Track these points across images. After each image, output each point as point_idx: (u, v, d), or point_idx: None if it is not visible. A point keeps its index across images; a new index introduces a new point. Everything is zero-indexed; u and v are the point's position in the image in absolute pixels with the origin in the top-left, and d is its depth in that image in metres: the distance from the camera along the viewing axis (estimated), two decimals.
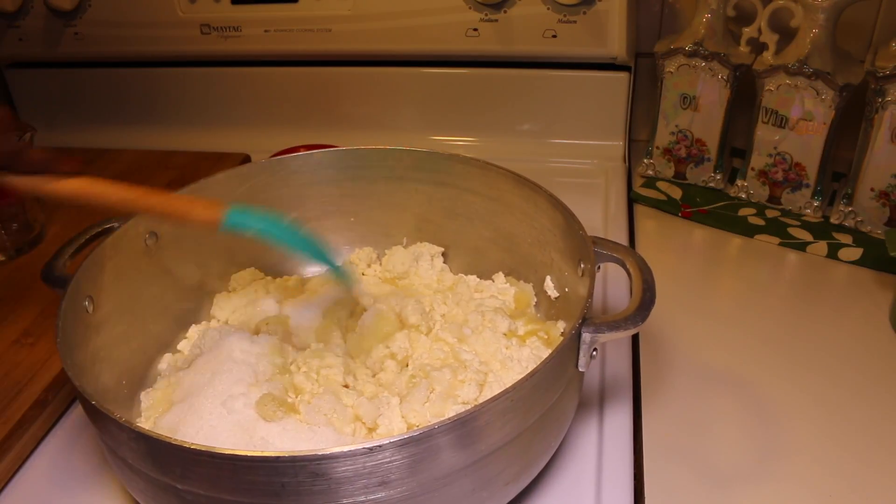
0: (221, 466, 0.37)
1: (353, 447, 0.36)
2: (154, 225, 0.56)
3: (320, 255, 0.53)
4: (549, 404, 0.43)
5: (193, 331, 0.60)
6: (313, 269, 0.67)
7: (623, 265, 0.50)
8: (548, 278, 0.58)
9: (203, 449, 0.36)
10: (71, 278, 0.48)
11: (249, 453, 0.36)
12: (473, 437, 0.39)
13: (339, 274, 0.57)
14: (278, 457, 0.35)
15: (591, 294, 0.45)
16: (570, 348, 0.43)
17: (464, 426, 0.38)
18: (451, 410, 0.46)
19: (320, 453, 0.36)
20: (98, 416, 0.40)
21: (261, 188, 0.63)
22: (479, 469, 0.41)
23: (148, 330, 0.57)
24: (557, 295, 0.57)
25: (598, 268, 0.50)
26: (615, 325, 0.44)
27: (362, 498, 0.38)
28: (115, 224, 0.54)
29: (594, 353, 0.45)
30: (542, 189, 0.56)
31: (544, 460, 0.47)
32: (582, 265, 0.51)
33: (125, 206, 0.46)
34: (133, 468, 0.41)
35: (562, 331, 0.55)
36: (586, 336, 0.44)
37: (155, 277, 0.58)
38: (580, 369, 0.45)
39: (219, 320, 0.61)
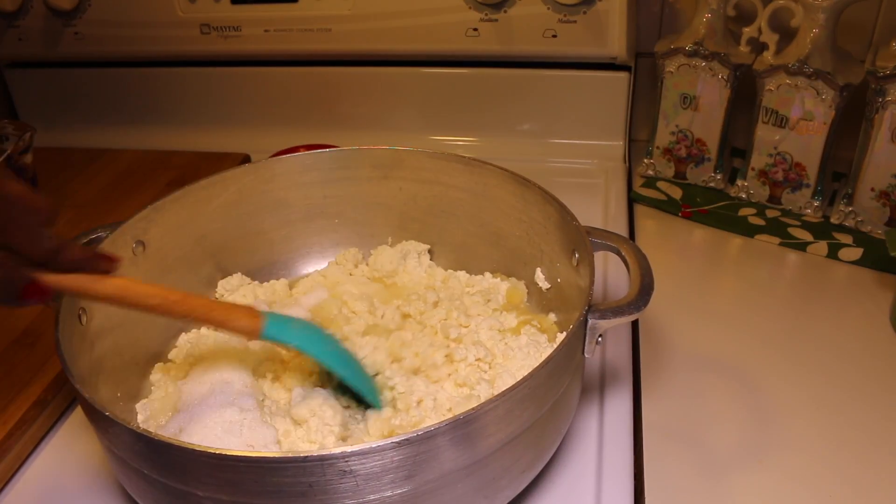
0: (247, 470, 0.36)
1: (381, 442, 0.36)
2: (140, 233, 0.56)
3: (356, 378, 0.49)
4: (560, 391, 0.44)
5: (183, 339, 0.59)
6: (300, 271, 0.67)
7: (618, 253, 0.51)
8: (538, 270, 0.59)
9: (229, 454, 0.36)
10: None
11: (277, 455, 0.36)
12: (497, 425, 0.40)
13: (373, 402, 0.49)
14: (307, 456, 0.35)
15: (592, 281, 0.46)
16: (577, 335, 0.44)
17: (489, 415, 0.38)
18: (471, 403, 0.47)
19: (350, 450, 0.35)
20: (118, 430, 0.39)
21: (247, 192, 0.63)
22: (499, 458, 0.41)
23: (138, 340, 0.56)
24: (549, 286, 0.58)
25: None
26: (619, 310, 0.45)
27: (388, 493, 0.38)
28: (103, 233, 0.54)
29: (599, 339, 0.46)
30: (532, 183, 0.57)
31: (555, 447, 0.48)
32: (576, 255, 0.52)
33: (164, 310, 0.44)
34: (141, 474, 0.41)
35: (554, 320, 0.56)
36: (592, 322, 0.45)
37: None
38: (586, 355, 0.47)
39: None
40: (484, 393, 0.48)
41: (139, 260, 0.56)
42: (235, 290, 0.62)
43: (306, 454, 0.35)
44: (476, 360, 0.51)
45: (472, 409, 0.37)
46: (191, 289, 0.60)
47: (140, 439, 0.38)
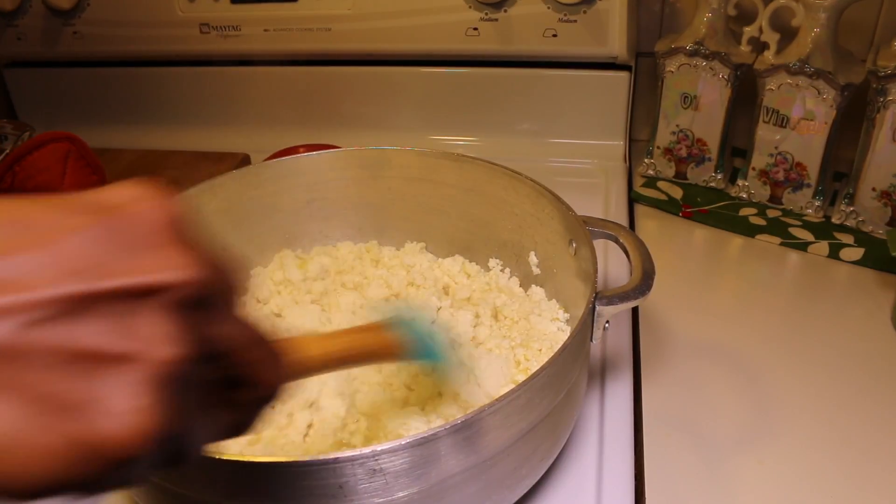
0: (277, 476, 0.36)
1: (409, 438, 0.35)
2: None
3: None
4: (573, 378, 0.44)
5: None
6: None
7: (616, 240, 0.51)
8: (532, 254, 0.59)
9: (258, 461, 0.35)
10: None
11: (308, 458, 0.35)
12: (519, 414, 0.40)
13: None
14: (338, 457, 0.35)
15: (596, 269, 0.47)
16: (587, 322, 0.45)
17: (512, 404, 0.39)
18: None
19: (380, 448, 0.35)
20: None
21: (236, 199, 0.62)
22: (521, 446, 0.41)
23: None
24: (539, 272, 0.59)
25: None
26: (625, 295, 0.46)
27: (417, 489, 0.37)
28: None
29: (607, 325, 0.47)
30: (523, 176, 0.57)
31: (567, 435, 0.48)
32: (574, 244, 0.52)
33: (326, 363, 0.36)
34: (161, 487, 0.39)
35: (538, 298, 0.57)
36: (599, 308, 0.45)
37: None
38: (593, 342, 0.48)
39: None
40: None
41: None
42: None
43: (336, 455, 0.35)
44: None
45: (498, 399, 0.37)
46: None
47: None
